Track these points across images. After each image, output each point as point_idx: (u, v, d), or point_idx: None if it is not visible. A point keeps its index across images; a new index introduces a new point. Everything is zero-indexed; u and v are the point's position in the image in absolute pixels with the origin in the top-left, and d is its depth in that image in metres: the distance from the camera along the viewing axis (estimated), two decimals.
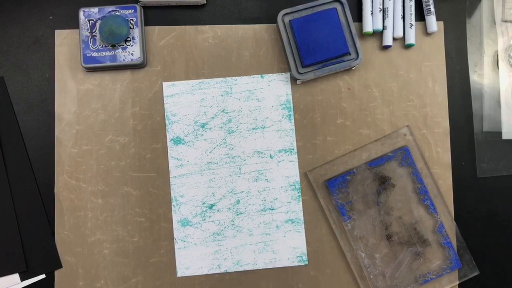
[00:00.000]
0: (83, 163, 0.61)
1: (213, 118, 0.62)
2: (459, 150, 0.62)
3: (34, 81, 0.61)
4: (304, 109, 0.62)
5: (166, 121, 0.61)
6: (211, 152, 0.61)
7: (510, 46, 0.63)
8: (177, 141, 0.61)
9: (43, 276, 0.59)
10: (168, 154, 0.61)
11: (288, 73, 0.62)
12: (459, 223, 0.61)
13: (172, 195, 0.61)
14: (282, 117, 0.62)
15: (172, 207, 0.61)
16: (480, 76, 0.63)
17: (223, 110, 0.62)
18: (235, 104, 0.62)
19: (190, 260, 0.60)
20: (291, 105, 0.62)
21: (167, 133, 0.61)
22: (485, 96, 0.63)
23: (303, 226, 0.61)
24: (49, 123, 0.61)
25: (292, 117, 0.62)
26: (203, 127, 0.62)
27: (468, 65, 0.63)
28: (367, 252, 0.60)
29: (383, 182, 0.60)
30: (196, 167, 0.61)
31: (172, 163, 0.61)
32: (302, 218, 0.61)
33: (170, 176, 0.61)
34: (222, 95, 0.62)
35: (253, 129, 0.62)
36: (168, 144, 0.61)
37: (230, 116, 0.62)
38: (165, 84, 0.62)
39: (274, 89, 0.62)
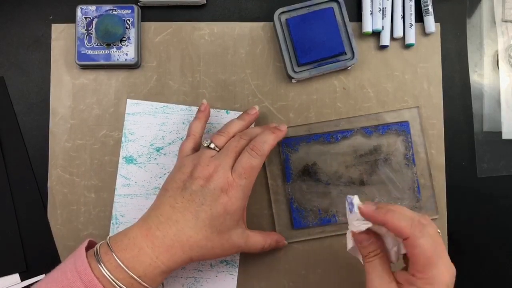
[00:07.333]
0: (77, 158, 0.61)
1: (169, 144, 0.60)
2: (459, 150, 0.62)
3: (34, 81, 0.62)
4: (299, 108, 0.62)
5: (123, 138, 0.60)
6: (160, 177, 0.60)
7: (510, 46, 0.63)
8: (129, 160, 0.60)
9: (43, 276, 0.59)
10: (118, 171, 0.60)
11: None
12: (458, 223, 0.61)
13: (113, 213, 0.60)
14: None
15: (111, 225, 0.60)
16: (480, 76, 0.63)
17: (181, 138, 0.60)
18: None
19: None
20: None
21: (121, 150, 0.60)
22: (485, 96, 0.63)
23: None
24: (49, 123, 0.61)
25: None
26: (158, 151, 0.60)
27: (468, 65, 0.63)
28: None
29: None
30: (143, 189, 0.60)
31: (119, 181, 0.60)
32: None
33: (115, 193, 0.60)
34: (183, 123, 0.60)
35: None
36: (119, 162, 0.60)
37: None
38: (129, 101, 0.61)
39: None
